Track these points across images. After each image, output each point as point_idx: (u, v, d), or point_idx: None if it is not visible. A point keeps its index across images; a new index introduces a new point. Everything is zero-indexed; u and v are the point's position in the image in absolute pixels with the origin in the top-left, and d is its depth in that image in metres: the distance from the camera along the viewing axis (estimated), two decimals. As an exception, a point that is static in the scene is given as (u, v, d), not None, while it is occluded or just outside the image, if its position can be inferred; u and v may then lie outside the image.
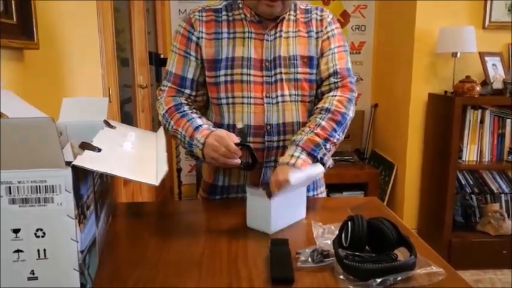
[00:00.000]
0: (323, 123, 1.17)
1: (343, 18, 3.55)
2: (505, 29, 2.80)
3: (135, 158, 0.84)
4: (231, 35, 1.21)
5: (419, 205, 3.08)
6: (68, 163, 0.66)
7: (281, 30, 1.23)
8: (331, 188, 3.27)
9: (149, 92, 2.84)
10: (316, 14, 1.28)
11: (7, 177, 0.64)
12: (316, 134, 1.15)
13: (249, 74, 1.20)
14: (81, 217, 0.70)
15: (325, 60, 1.25)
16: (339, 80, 1.24)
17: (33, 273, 0.67)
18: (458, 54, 2.69)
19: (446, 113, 2.64)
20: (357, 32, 3.58)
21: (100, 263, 0.85)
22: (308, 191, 1.32)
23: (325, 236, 0.95)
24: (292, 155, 1.10)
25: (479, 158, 2.74)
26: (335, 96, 1.22)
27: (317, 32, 1.26)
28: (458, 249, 2.69)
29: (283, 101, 1.22)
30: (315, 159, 1.12)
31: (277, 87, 1.21)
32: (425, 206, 3.00)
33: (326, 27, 1.26)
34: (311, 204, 1.19)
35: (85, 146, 0.76)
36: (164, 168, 0.75)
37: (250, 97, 1.21)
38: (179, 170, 3.26)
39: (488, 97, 2.70)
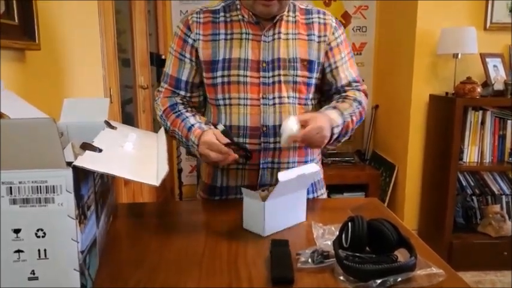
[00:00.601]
0: (357, 112, 1.25)
1: (344, 19, 3.55)
2: (506, 30, 2.80)
3: (136, 158, 0.84)
4: (228, 36, 1.21)
5: (420, 206, 3.07)
6: (69, 163, 0.66)
7: (280, 32, 1.22)
8: (332, 189, 3.27)
9: (150, 93, 2.85)
10: (319, 17, 1.27)
11: (8, 178, 0.64)
12: (352, 122, 1.23)
13: (246, 76, 1.20)
14: (81, 217, 0.71)
15: (342, 69, 1.28)
16: (358, 84, 1.31)
17: (34, 273, 0.68)
18: (459, 55, 2.69)
19: (447, 114, 2.64)
20: (358, 33, 3.58)
21: (100, 263, 0.85)
22: (308, 193, 1.32)
23: (325, 236, 0.95)
24: (338, 126, 1.17)
25: (480, 159, 2.74)
26: (361, 94, 1.30)
27: (319, 36, 1.25)
28: (459, 250, 2.69)
29: (280, 103, 1.22)
30: (336, 138, 1.20)
31: (274, 89, 1.21)
32: (426, 207, 3.00)
33: (333, 34, 1.26)
34: (311, 205, 1.19)
35: (86, 146, 0.76)
36: (165, 169, 0.75)
37: (247, 98, 1.21)
38: (180, 171, 3.26)
39: (489, 98, 2.70)
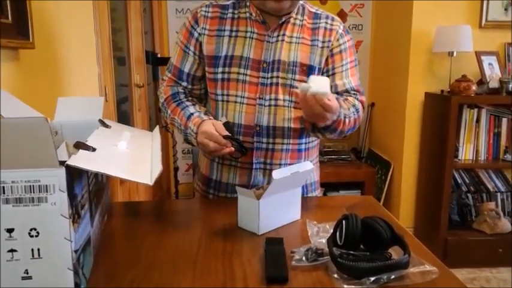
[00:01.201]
0: (352, 118, 1.22)
1: (340, 17, 3.55)
2: (501, 28, 2.81)
3: (130, 157, 0.84)
4: (233, 34, 1.22)
5: (415, 204, 3.09)
6: (62, 163, 0.66)
7: (284, 34, 1.22)
8: (328, 186, 3.28)
9: (146, 91, 2.84)
10: (326, 22, 1.26)
11: (0, 177, 0.64)
12: (344, 123, 1.19)
13: (246, 74, 1.21)
14: (75, 217, 0.71)
15: (340, 76, 1.26)
16: (357, 94, 1.28)
17: (27, 273, 0.67)
18: (455, 54, 2.70)
19: (443, 112, 2.65)
20: (354, 31, 3.58)
21: (95, 262, 0.85)
22: (302, 194, 1.33)
23: (319, 234, 0.96)
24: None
25: (475, 156, 2.76)
26: (360, 104, 1.27)
27: (323, 42, 1.24)
28: (454, 247, 2.70)
29: (275, 105, 1.22)
30: (326, 128, 1.17)
31: (271, 90, 1.21)
32: (421, 204, 3.01)
33: (338, 40, 1.25)
34: (306, 203, 1.19)
35: (79, 145, 0.76)
36: (158, 168, 0.75)
37: (244, 97, 1.22)
38: (176, 169, 3.26)
39: (485, 96, 2.71)
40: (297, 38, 1.22)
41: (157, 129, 1.11)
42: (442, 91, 2.78)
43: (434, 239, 2.76)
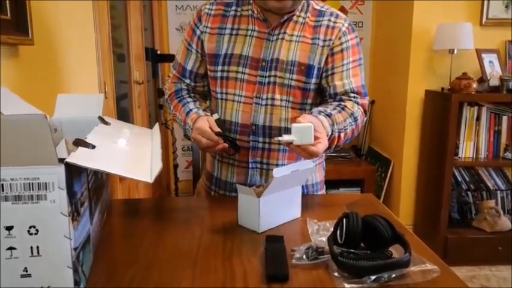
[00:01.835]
0: (348, 130, 1.18)
1: (341, 14, 3.54)
2: (502, 26, 2.80)
3: (130, 154, 0.84)
4: (234, 32, 1.21)
5: (415, 201, 3.09)
6: (61, 160, 0.65)
7: (285, 32, 1.19)
8: (328, 184, 3.26)
9: (145, 88, 2.84)
10: (329, 20, 1.21)
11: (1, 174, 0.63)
12: (339, 138, 1.16)
13: (244, 73, 1.20)
14: (74, 214, 0.70)
15: (339, 76, 1.20)
16: (358, 97, 1.22)
17: (27, 271, 0.67)
18: (455, 51, 2.69)
19: (443, 109, 2.64)
20: (355, 28, 3.57)
21: (94, 260, 0.85)
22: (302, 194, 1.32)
23: (320, 233, 0.95)
24: (327, 135, 1.09)
25: (475, 154, 2.75)
26: (359, 109, 1.21)
27: (324, 40, 1.19)
28: (454, 245, 2.70)
29: (272, 105, 1.20)
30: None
31: (268, 89, 1.20)
32: (421, 202, 3.01)
33: (340, 38, 1.19)
34: (306, 201, 1.19)
35: (79, 142, 0.75)
36: (158, 165, 0.75)
37: (241, 95, 1.21)
38: (176, 166, 3.26)
39: (485, 94, 2.71)
40: (297, 36, 1.20)
41: (157, 126, 1.11)
42: (443, 89, 2.77)
43: (434, 237, 2.75)
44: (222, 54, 1.21)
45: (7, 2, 1.12)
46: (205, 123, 1.12)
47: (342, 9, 3.54)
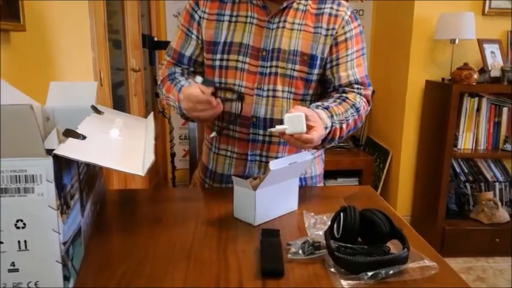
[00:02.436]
0: (350, 121, 1.14)
1: (341, 2, 3.49)
2: (504, 16, 2.76)
3: (122, 146, 0.81)
4: (233, 19, 1.16)
5: (413, 192, 3.08)
6: (49, 152, 0.63)
7: (286, 20, 1.15)
8: (326, 174, 3.25)
9: (142, 76, 2.80)
10: (331, 8, 1.17)
11: (-15, 166, 0.61)
12: (341, 129, 1.12)
13: (245, 62, 1.16)
14: (63, 207, 0.68)
15: (344, 67, 1.17)
16: (361, 88, 1.19)
17: (14, 265, 0.65)
18: (457, 41, 2.65)
19: (443, 100, 2.62)
20: (357, 16, 3.52)
21: (86, 253, 0.83)
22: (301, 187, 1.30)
23: (317, 226, 0.94)
24: (326, 128, 1.06)
25: (474, 146, 2.73)
26: (362, 100, 1.18)
27: (327, 29, 1.16)
28: (451, 236, 2.70)
29: (274, 96, 1.17)
30: (321, 142, 1.09)
31: (270, 80, 1.16)
32: (419, 193, 3.00)
33: (343, 27, 1.16)
34: (304, 193, 1.17)
35: (69, 133, 0.73)
36: (151, 158, 0.73)
37: (241, 86, 1.17)
38: (173, 155, 3.23)
39: (486, 85, 2.68)
40: (299, 24, 1.15)
41: (151, 116, 1.08)
42: (443, 79, 2.74)
43: (431, 228, 2.75)
44: (221, 42, 1.16)
45: (-3, -14, 1.09)
46: (192, 89, 1.03)
47: (343, -3, 3.48)
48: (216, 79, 1.19)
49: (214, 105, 1.02)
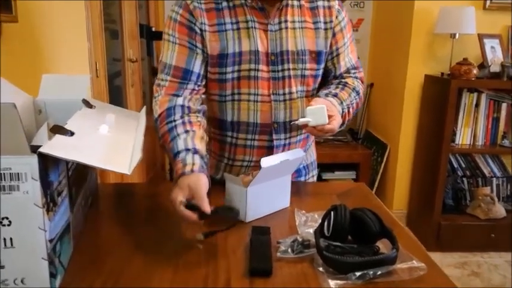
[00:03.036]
0: (354, 104, 1.18)
1: (342, -6, 3.46)
2: (505, 11, 2.73)
3: (110, 142, 0.80)
4: (235, 26, 1.09)
5: (410, 187, 3.07)
6: (35, 150, 0.62)
7: (286, 20, 1.11)
8: (324, 167, 3.26)
9: (140, 66, 2.78)
10: (323, 1, 1.16)
11: (-31, 164, 0.60)
12: (348, 113, 1.15)
13: (257, 70, 1.11)
14: (50, 205, 0.68)
15: (342, 56, 1.20)
16: (356, 71, 1.24)
17: (0, 262, 0.65)
18: (457, 35, 2.63)
19: (442, 95, 2.60)
20: (355, 9, 3.49)
21: (75, 250, 0.83)
22: (300, 175, 1.31)
23: (307, 224, 0.93)
24: (339, 113, 1.09)
25: (472, 141, 2.72)
26: (359, 83, 1.23)
27: (325, 23, 1.15)
28: (447, 231, 2.70)
29: (290, 99, 1.15)
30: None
31: (284, 84, 1.14)
32: (416, 187, 3.00)
33: (337, 17, 1.16)
34: (297, 189, 1.16)
35: (56, 129, 0.72)
36: (138, 156, 0.72)
37: (257, 94, 1.13)
38: (171, 146, 3.22)
39: (485, 80, 2.65)
40: (299, 22, 1.13)
41: (143, 111, 1.07)
42: (442, 74, 2.72)
43: (427, 223, 2.75)
44: (230, 54, 1.09)
45: (-12, -24, 1.08)
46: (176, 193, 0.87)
47: (343, -11, 3.45)
48: (228, 91, 1.13)
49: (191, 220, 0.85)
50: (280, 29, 1.11)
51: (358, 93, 1.20)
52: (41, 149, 0.62)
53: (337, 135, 3.37)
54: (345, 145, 3.38)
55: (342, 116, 1.10)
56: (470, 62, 2.55)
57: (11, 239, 0.64)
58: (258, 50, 1.10)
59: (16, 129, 0.59)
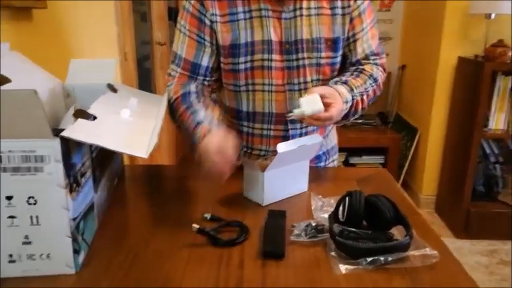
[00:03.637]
0: (370, 91, 1.15)
1: (374, -27, 3.36)
2: (547, -11, 2.59)
3: (131, 127, 0.83)
4: (247, 15, 1.07)
5: (440, 172, 3.01)
6: (57, 134, 0.66)
7: (301, 7, 1.08)
8: (351, 152, 3.23)
9: (168, 49, 2.82)
10: None
11: (-2, 146, 0.64)
12: (362, 101, 1.12)
13: (270, 60, 1.10)
14: (73, 186, 0.71)
15: (361, 41, 1.16)
16: (377, 58, 1.19)
17: (27, 238, 0.70)
18: (493, 16, 2.52)
19: (475, 78, 2.52)
20: (387, -11, 3.39)
21: (99, 227, 0.87)
22: (320, 161, 1.31)
23: (323, 209, 0.94)
24: (347, 102, 1.06)
25: (506, 126, 2.62)
26: (378, 70, 1.19)
27: (343, 8, 1.11)
28: (476, 218, 2.65)
29: (305, 88, 1.13)
30: (345, 116, 1.10)
31: (299, 73, 1.12)
32: (446, 173, 2.94)
33: (356, 1, 1.12)
34: (317, 173, 1.17)
35: (79, 113, 0.76)
36: (154, 141, 0.75)
37: (272, 84, 1.12)
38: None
39: (521, 63, 2.54)
40: (315, 8, 1.10)
41: (165, 96, 1.09)
42: (476, 56, 2.63)
43: (456, 209, 2.70)
44: (243, 44, 1.08)
45: (19, -36, 1.11)
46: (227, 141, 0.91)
47: (375, -32, 3.35)
48: (242, 82, 1.13)
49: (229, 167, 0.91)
50: (295, 16, 1.09)
51: (375, 80, 1.16)
52: (62, 133, 0.65)
53: (366, 118, 3.33)
54: (374, 129, 3.33)
55: (353, 104, 1.08)
56: (505, 44, 2.44)
57: (37, 217, 0.69)
58: (271, 40, 1.08)
59: (39, 115, 0.62)
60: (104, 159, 0.96)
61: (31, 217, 0.69)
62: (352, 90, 1.09)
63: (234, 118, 1.21)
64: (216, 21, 1.08)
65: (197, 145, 0.94)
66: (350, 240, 0.79)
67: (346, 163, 3.28)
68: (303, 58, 1.11)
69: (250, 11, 1.08)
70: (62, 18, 1.41)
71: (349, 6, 1.12)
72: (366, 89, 1.13)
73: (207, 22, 1.09)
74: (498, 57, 2.42)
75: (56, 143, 0.65)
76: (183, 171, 1.27)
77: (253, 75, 1.12)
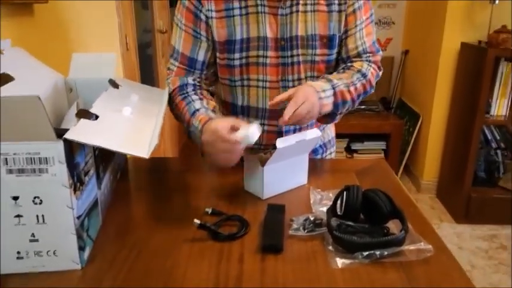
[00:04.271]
0: (358, 85, 1.12)
1: (377, -44, 3.32)
2: (553, -28, 2.56)
3: (132, 125, 0.85)
4: (243, 11, 1.08)
5: (442, 157, 3.03)
6: (60, 136, 0.67)
7: (298, 3, 1.08)
8: (353, 138, 3.24)
9: (170, 37, 2.81)
10: None
11: (3, 149, 0.66)
12: (349, 92, 1.10)
13: (265, 56, 1.11)
14: (77, 185, 0.74)
15: (353, 39, 1.14)
16: (370, 55, 1.18)
17: (34, 236, 0.72)
18: (497, 1, 2.50)
19: (478, 64, 2.51)
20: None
21: (104, 223, 0.90)
22: (316, 154, 1.33)
23: (322, 202, 0.97)
24: (324, 90, 1.04)
25: (508, 113, 2.63)
26: (370, 66, 1.17)
27: (339, 5, 1.10)
28: (477, 204, 2.67)
29: (299, 85, 1.13)
30: (333, 113, 1.09)
31: (294, 70, 1.13)
32: (447, 159, 2.95)
33: None
34: (316, 166, 1.19)
35: (82, 114, 0.77)
36: (155, 141, 0.76)
37: (266, 80, 1.14)
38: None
39: (525, 49, 2.53)
40: (311, 5, 1.10)
41: (167, 90, 1.11)
42: (480, 42, 2.61)
43: (457, 194, 2.73)
44: (238, 40, 1.09)
45: (18, -41, 1.12)
46: (219, 124, 0.93)
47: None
48: (237, 77, 1.15)
49: (238, 152, 0.93)
50: (291, 12, 1.08)
51: (364, 75, 1.14)
52: (66, 135, 0.67)
53: (368, 104, 3.32)
54: (376, 115, 3.32)
55: (336, 92, 1.07)
56: (509, 29, 2.43)
57: (42, 216, 0.71)
58: (266, 37, 1.09)
59: (42, 119, 0.64)
60: (107, 154, 0.98)
61: (37, 216, 0.71)
62: (331, 80, 1.08)
63: (229, 112, 1.23)
64: (212, 17, 1.09)
65: (199, 133, 0.97)
66: (347, 234, 0.81)
67: (348, 149, 3.29)
68: (298, 55, 1.12)
69: (246, 6, 1.08)
70: (63, 12, 1.42)
71: (345, 3, 1.11)
72: (353, 81, 1.11)
73: (203, 18, 1.10)
74: (501, 43, 2.41)
75: (60, 145, 0.67)
76: (185, 165, 1.29)
77: (248, 71, 1.13)
